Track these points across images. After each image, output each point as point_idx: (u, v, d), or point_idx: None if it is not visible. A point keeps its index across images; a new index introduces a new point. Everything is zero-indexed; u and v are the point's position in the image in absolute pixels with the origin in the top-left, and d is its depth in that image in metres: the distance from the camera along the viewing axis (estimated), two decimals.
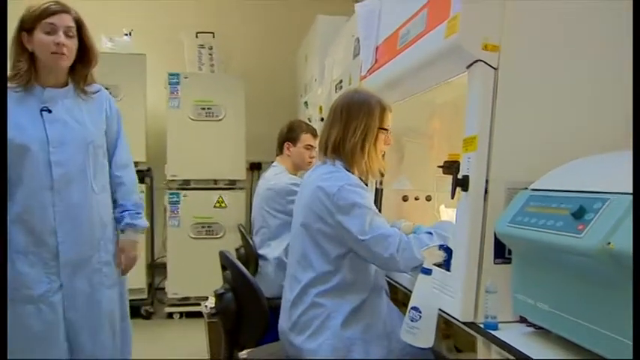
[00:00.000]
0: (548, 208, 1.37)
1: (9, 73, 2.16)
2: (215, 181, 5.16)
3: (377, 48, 2.47)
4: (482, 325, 1.58)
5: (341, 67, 3.66)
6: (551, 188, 1.44)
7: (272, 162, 3.40)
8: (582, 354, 1.31)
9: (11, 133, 2.09)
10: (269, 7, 5.71)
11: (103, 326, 2.27)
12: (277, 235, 3.08)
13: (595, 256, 1.16)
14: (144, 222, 2.40)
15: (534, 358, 1.34)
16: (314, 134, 3.29)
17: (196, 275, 4.73)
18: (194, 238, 5.03)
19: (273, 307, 2.25)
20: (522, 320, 1.54)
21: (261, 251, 3.16)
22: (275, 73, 5.65)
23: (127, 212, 2.34)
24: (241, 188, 5.23)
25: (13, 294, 2.11)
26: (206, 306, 3.54)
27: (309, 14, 4.79)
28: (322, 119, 3.99)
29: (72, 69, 2.21)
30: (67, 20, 2.14)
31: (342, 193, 1.91)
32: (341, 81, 3.59)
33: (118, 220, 2.35)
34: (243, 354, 2.23)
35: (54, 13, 2.12)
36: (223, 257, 2.57)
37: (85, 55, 2.22)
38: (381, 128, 2.03)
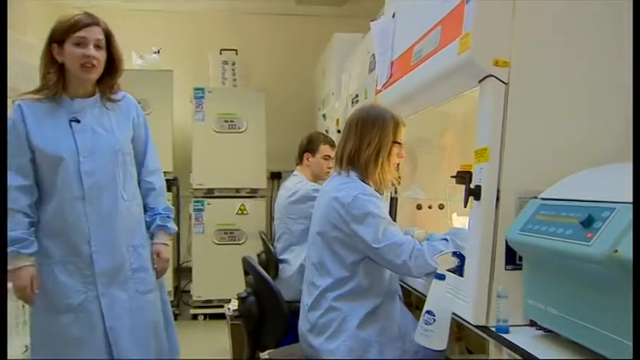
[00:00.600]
0: (558, 216, 1.36)
1: (39, 84, 2.10)
2: (237, 190, 5.19)
3: (392, 63, 2.47)
4: (494, 329, 1.57)
5: (357, 82, 3.67)
6: (560, 197, 1.44)
7: (292, 171, 3.41)
8: (590, 356, 1.29)
9: (44, 144, 2.04)
10: (288, 26, 5.75)
11: (145, 332, 2.18)
12: (301, 240, 3.08)
13: (603, 263, 1.15)
14: (174, 225, 2.33)
15: None
16: (332, 145, 3.30)
17: (219, 279, 4.76)
18: (217, 243, 5.06)
19: (292, 310, 2.25)
20: (532, 324, 1.52)
21: (283, 256, 3.16)
22: (294, 88, 5.67)
23: (158, 216, 2.26)
24: (262, 196, 5.25)
25: (53, 303, 2.07)
26: (229, 308, 3.55)
27: (326, 32, 4.81)
28: (339, 131, 4.00)
29: (99, 79, 2.15)
30: (97, 33, 2.08)
31: (357, 203, 1.92)
32: (357, 95, 3.60)
33: (149, 224, 2.27)
34: (264, 354, 2.23)
35: (85, 26, 2.05)
36: (246, 263, 2.58)
37: (112, 65, 2.16)
38: (395, 142, 2.03)
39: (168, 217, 2.30)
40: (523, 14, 1.65)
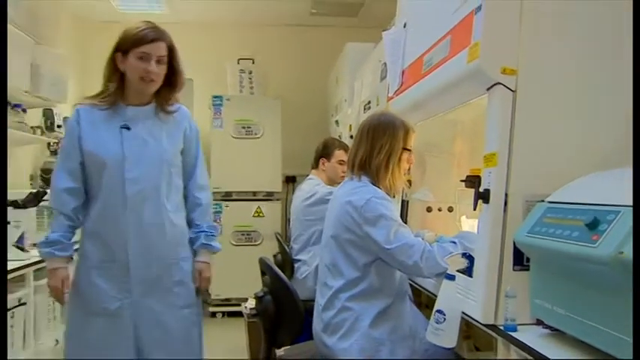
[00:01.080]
0: (565, 219, 1.36)
1: (100, 89, 2.06)
2: (254, 193, 5.21)
3: (403, 72, 2.48)
4: (502, 327, 1.56)
5: (369, 90, 3.67)
6: (566, 201, 1.43)
7: (306, 175, 3.42)
8: (595, 354, 1.29)
9: (92, 148, 2.01)
10: (303, 36, 5.77)
11: (176, 348, 2.07)
12: (316, 241, 3.08)
13: (608, 264, 1.15)
14: (218, 244, 2.21)
15: (551, 357, 1.32)
16: (346, 150, 3.30)
17: (237, 278, 4.76)
18: (235, 244, 5.08)
19: (307, 309, 2.25)
20: (539, 323, 1.52)
21: (298, 257, 3.17)
22: (308, 95, 5.69)
23: (202, 233, 2.15)
24: (278, 199, 5.27)
25: (88, 306, 2.02)
26: (246, 307, 3.55)
27: (339, 42, 4.82)
28: (352, 136, 4.00)
29: (157, 91, 2.08)
30: (162, 49, 2.01)
31: (369, 206, 1.92)
32: (369, 102, 3.61)
33: (193, 241, 2.16)
34: (280, 351, 2.23)
35: (150, 41, 1.99)
36: (263, 263, 2.58)
37: (172, 79, 2.09)
38: (405, 149, 2.04)
39: (213, 235, 2.19)
40: (529, 24, 1.64)
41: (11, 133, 3.60)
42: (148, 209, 2.02)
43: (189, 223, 2.17)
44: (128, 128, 2.03)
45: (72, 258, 2.06)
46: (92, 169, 2.02)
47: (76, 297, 2.04)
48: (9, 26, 3.44)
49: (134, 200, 2.00)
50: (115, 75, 2.03)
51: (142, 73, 1.99)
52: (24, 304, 2.71)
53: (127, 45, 1.99)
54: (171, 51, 2.06)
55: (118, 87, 2.03)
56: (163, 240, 2.06)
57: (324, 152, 3.32)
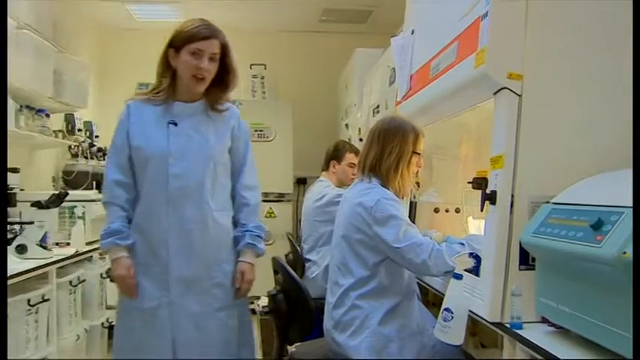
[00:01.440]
0: (569, 220, 1.35)
1: (153, 85, 1.99)
2: (266, 194, 5.20)
3: (411, 77, 2.48)
4: (508, 325, 1.56)
5: (378, 94, 3.68)
6: (571, 202, 1.43)
7: (317, 177, 3.43)
8: (599, 352, 1.29)
9: (139, 143, 1.94)
10: (313, 42, 5.78)
11: (212, 351, 1.96)
12: (326, 242, 3.09)
13: (612, 264, 1.15)
14: (263, 246, 2.07)
15: (556, 354, 1.32)
16: (357, 154, 3.30)
17: None
18: None
19: (317, 307, 2.26)
20: (544, 321, 1.51)
21: (309, 256, 3.18)
22: (319, 99, 5.70)
23: (248, 233, 2.02)
24: (289, 200, 5.29)
25: (127, 302, 1.95)
26: (258, 304, 3.56)
27: (348, 47, 4.84)
28: (361, 139, 4.02)
29: (207, 90, 1.98)
30: (215, 46, 1.92)
31: (379, 206, 1.92)
32: (378, 106, 3.61)
33: (237, 240, 2.03)
34: (292, 348, 2.24)
35: (204, 38, 1.90)
36: (275, 262, 2.59)
37: (224, 78, 1.99)
38: (414, 152, 2.04)
39: (259, 236, 2.05)
40: (535, 30, 1.64)
41: (35, 137, 3.66)
42: (191, 206, 1.92)
43: (236, 224, 2.05)
44: (175, 124, 1.95)
45: (132, 247, 1.95)
46: (138, 164, 1.95)
47: (122, 295, 1.97)
48: (34, 36, 3.50)
49: (176, 196, 1.91)
50: (168, 71, 1.95)
51: (193, 70, 1.90)
52: (47, 300, 2.74)
53: (179, 41, 1.91)
54: (225, 49, 1.97)
55: (170, 83, 1.95)
56: (205, 239, 1.95)
57: (335, 155, 3.32)
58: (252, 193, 2.07)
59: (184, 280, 1.92)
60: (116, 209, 1.94)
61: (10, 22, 3.18)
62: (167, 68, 1.95)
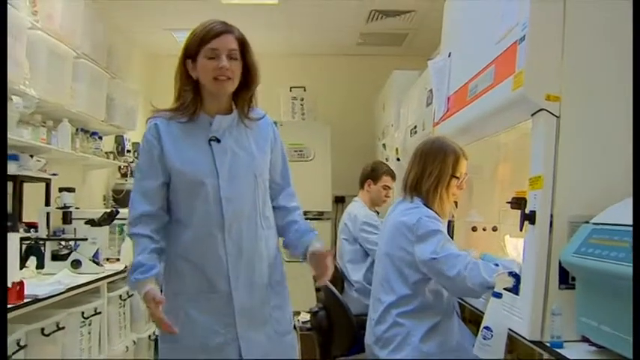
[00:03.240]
0: (610, 240, 1.34)
1: (174, 104, 1.75)
2: (305, 213, 5.19)
3: (448, 98, 2.49)
4: (548, 344, 1.54)
5: (415, 115, 3.69)
6: (612, 222, 1.41)
7: (354, 196, 3.45)
8: None
9: (181, 166, 1.70)
10: (351, 64, 5.84)
11: None
12: (355, 260, 3.13)
13: None
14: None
15: None
16: (392, 177, 3.33)
17: (290, 293, 4.80)
18: (288, 261, 5.07)
19: (357, 323, 2.27)
20: (585, 340, 1.49)
21: (348, 273, 3.19)
22: (356, 120, 5.73)
23: (306, 227, 1.87)
24: (328, 219, 5.30)
25: (184, 343, 1.69)
26: (299, 320, 3.58)
27: (385, 70, 4.85)
28: (398, 159, 4.02)
29: (235, 93, 1.77)
30: (231, 42, 1.70)
31: (421, 224, 1.94)
32: (415, 126, 3.62)
33: (296, 237, 1.85)
34: None
35: (217, 35, 1.69)
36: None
37: (247, 76, 1.77)
38: (453, 176, 2.03)
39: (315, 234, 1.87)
40: (571, 52, 1.64)
41: (89, 158, 3.80)
42: (246, 230, 1.73)
43: (282, 229, 1.87)
44: (218, 141, 1.72)
45: (159, 279, 1.72)
46: (183, 190, 1.72)
47: (165, 333, 1.68)
48: (91, 64, 3.67)
49: (231, 221, 1.70)
50: (188, 85, 1.73)
51: (214, 72, 1.68)
52: (99, 313, 2.82)
53: (193, 47, 1.71)
54: (243, 45, 1.74)
55: (194, 96, 1.73)
56: (261, 263, 1.76)
57: (372, 175, 3.34)
58: (295, 200, 1.92)
59: (248, 310, 1.73)
60: (142, 241, 1.70)
61: (69, 51, 3.35)
62: (187, 81, 1.73)
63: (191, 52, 1.71)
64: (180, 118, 1.73)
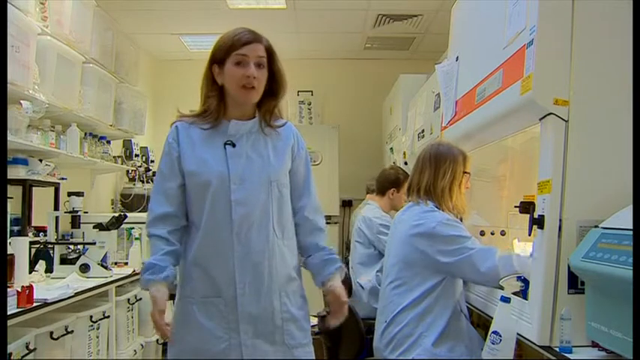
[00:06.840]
0: (620, 245, 1.34)
1: (199, 108, 1.77)
2: None
3: (456, 102, 2.49)
4: (557, 349, 1.54)
5: (422, 119, 3.69)
6: (621, 227, 1.41)
7: (362, 199, 3.45)
8: None
9: (195, 168, 1.71)
10: (358, 69, 5.86)
11: None
12: (367, 263, 3.13)
13: None
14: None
15: None
16: None
17: None
18: None
19: (366, 327, 2.27)
20: (595, 345, 1.49)
21: (356, 276, 3.20)
22: (363, 124, 5.74)
23: (332, 256, 1.83)
24: (335, 222, 5.32)
25: (193, 345, 1.69)
26: None
27: (392, 73, 4.86)
28: (406, 163, 4.03)
29: (260, 102, 1.77)
30: (260, 50, 1.72)
31: (439, 229, 1.97)
32: (423, 130, 3.62)
33: (319, 264, 1.80)
34: None
35: (246, 43, 1.70)
36: None
37: (273, 86, 1.78)
38: (465, 172, 2.11)
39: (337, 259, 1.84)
40: (580, 56, 1.64)
41: (98, 162, 3.83)
42: (256, 235, 1.70)
43: (305, 249, 1.83)
44: (233, 145, 1.73)
45: (171, 282, 1.69)
46: (194, 191, 1.72)
47: (175, 337, 1.70)
48: (99, 69, 3.70)
49: (241, 225, 1.68)
50: (214, 90, 1.74)
51: (241, 79, 1.69)
52: (108, 317, 2.84)
53: (222, 53, 1.72)
54: (270, 54, 1.76)
55: (219, 102, 1.75)
56: (273, 271, 1.72)
57: (396, 183, 3.34)
58: (320, 216, 1.86)
59: (254, 318, 1.69)
60: (158, 242, 1.71)
61: (78, 56, 3.38)
62: (212, 87, 1.75)
63: (218, 58, 1.73)
64: (202, 125, 1.75)
